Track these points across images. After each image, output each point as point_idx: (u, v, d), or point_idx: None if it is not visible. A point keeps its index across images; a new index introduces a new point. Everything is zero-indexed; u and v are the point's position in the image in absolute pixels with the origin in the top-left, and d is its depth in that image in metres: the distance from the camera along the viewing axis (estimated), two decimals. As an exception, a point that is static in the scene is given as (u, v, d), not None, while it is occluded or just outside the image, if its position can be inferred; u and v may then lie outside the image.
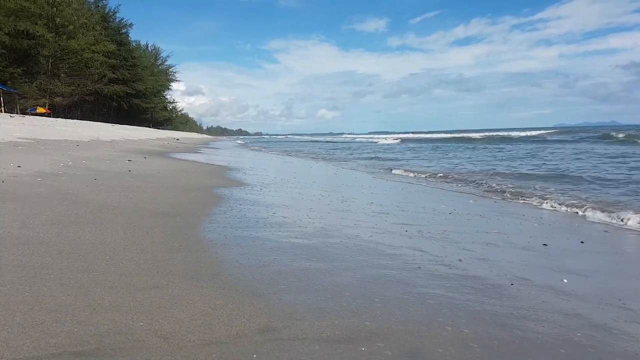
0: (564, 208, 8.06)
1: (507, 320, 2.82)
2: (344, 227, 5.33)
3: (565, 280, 3.76)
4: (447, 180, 13.08)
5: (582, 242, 5.41)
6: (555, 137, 50.59)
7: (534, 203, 8.78)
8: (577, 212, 7.67)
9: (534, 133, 60.63)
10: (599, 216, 7.22)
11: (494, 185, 11.39)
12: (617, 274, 4.27)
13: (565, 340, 2.58)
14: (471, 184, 11.90)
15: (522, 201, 9.13)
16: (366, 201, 7.91)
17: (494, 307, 3.03)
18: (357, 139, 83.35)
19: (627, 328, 2.84)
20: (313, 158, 26.06)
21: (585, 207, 7.83)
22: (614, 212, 7.28)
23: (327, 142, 72.02)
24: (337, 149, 41.53)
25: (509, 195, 9.77)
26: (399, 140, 60.63)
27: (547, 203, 8.53)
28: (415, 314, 2.81)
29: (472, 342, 2.45)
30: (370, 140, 67.56)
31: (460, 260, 4.17)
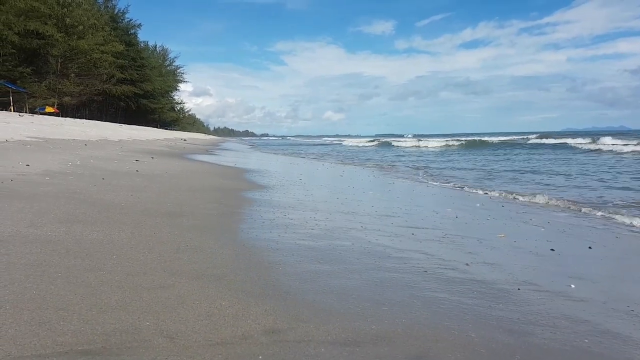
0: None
1: (514, 325, 2.80)
2: (351, 229, 5.32)
3: (572, 286, 3.74)
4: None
5: (589, 247, 5.37)
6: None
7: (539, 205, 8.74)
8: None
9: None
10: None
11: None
12: (625, 280, 4.24)
13: (573, 347, 2.56)
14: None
15: (527, 203, 9.09)
16: (372, 203, 7.90)
17: (501, 311, 3.01)
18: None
19: (635, 334, 2.82)
20: (317, 159, 26.11)
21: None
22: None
23: (321, 144, 75.48)
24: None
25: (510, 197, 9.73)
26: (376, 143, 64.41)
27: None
28: (421, 317, 2.80)
29: (478, 347, 2.44)
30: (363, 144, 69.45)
31: (467, 264, 4.15)
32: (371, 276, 3.56)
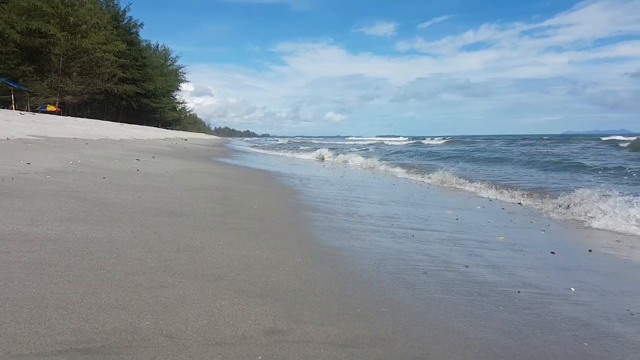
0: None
1: (514, 328, 2.80)
2: (351, 230, 5.32)
3: (573, 289, 3.73)
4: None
5: (590, 250, 5.37)
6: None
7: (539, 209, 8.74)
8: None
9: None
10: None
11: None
12: (625, 283, 4.23)
13: (574, 350, 2.56)
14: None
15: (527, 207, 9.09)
16: (373, 204, 7.89)
17: (500, 314, 3.01)
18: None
19: (636, 337, 2.81)
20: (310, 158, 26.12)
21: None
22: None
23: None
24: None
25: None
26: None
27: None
28: (421, 319, 2.79)
29: (478, 350, 2.43)
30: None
31: (466, 266, 4.15)
32: (371, 277, 3.56)
